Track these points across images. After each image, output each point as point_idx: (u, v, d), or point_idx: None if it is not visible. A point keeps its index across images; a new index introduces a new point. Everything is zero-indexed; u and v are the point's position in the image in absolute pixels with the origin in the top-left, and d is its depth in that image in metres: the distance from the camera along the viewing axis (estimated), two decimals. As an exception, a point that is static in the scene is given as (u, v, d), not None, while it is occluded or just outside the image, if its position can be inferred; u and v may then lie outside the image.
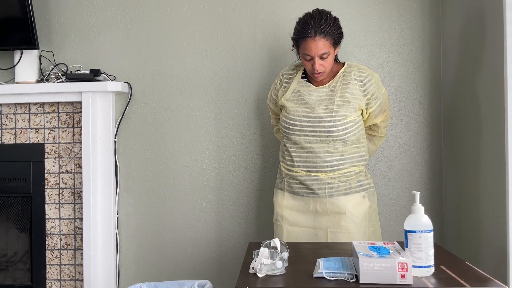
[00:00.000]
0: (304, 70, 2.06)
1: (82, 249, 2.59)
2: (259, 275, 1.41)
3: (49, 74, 2.63)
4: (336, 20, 1.93)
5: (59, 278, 2.65)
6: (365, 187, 2.00)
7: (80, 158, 2.61)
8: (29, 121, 2.67)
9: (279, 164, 2.12)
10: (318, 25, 1.86)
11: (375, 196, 2.07)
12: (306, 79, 2.04)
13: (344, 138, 1.92)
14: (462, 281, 1.33)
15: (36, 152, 2.65)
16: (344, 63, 2.04)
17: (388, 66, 2.49)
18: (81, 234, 2.61)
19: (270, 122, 2.37)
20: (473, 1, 2.07)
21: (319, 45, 1.86)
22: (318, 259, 1.50)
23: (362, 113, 2.01)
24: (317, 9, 1.94)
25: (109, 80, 2.59)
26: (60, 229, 2.65)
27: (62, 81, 2.58)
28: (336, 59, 2.03)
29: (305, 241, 1.95)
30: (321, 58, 1.89)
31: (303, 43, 1.89)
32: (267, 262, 1.43)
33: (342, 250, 1.68)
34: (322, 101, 1.95)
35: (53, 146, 2.65)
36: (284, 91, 2.07)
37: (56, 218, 2.65)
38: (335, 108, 1.92)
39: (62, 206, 2.65)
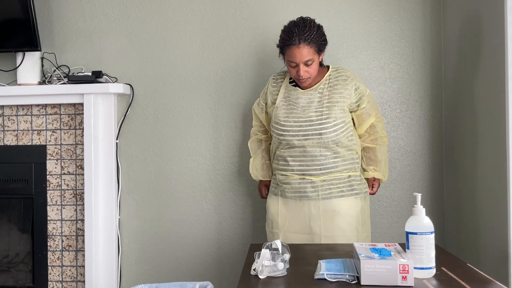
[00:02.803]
0: None
1: (83, 251, 2.59)
2: (261, 276, 1.41)
3: (51, 76, 2.63)
4: (320, 27, 1.96)
5: (60, 279, 2.65)
6: (357, 192, 2.02)
7: (82, 159, 2.62)
8: (31, 123, 2.68)
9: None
10: (302, 33, 1.88)
11: (367, 200, 2.08)
12: (294, 83, 2.06)
13: (336, 140, 1.95)
14: (463, 283, 1.33)
15: (38, 153, 2.66)
16: (328, 67, 2.07)
17: (389, 68, 2.49)
18: (83, 235, 2.61)
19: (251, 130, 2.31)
20: (474, 4, 2.08)
21: (303, 52, 1.89)
22: (319, 260, 1.50)
23: (352, 114, 2.03)
24: (301, 17, 1.97)
25: (111, 82, 2.60)
26: (61, 230, 2.65)
27: (64, 83, 2.59)
28: (321, 64, 2.05)
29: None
30: (306, 64, 1.92)
31: (288, 50, 1.92)
32: (269, 263, 1.43)
33: (343, 252, 1.68)
34: (311, 104, 1.98)
35: (55, 148, 2.66)
36: (273, 98, 2.09)
37: (58, 220, 2.66)
38: (324, 110, 1.95)
39: (64, 208, 2.66)
